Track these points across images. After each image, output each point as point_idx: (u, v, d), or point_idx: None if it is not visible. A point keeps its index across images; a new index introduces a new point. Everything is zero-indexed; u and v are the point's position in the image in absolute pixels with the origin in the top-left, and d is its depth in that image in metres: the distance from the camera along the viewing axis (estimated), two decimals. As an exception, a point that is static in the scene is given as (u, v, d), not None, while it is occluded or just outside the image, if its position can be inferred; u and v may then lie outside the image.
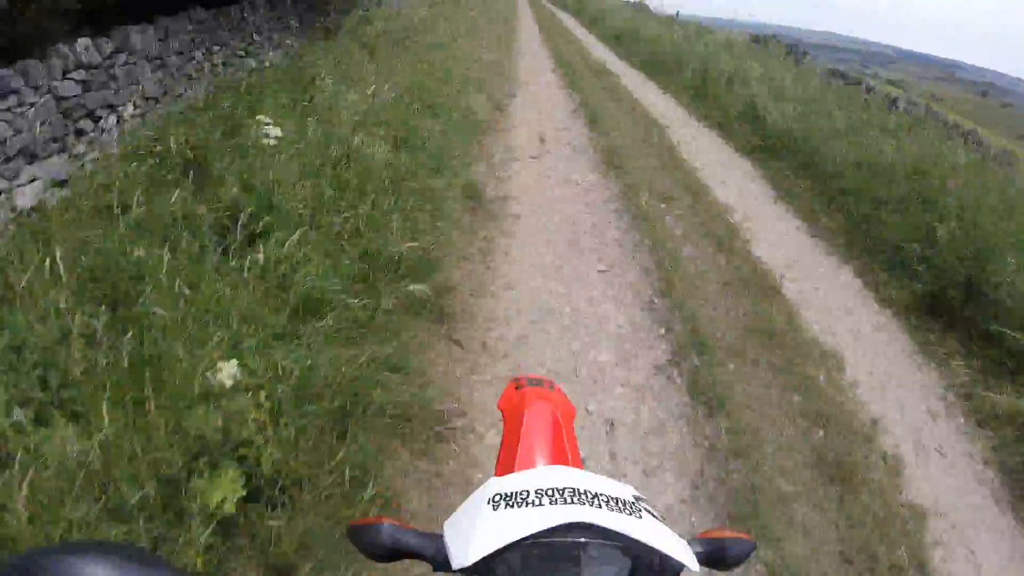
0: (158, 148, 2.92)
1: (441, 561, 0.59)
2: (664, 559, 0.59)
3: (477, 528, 0.58)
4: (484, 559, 0.56)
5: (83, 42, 2.88)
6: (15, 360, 1.62)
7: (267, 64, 4.79)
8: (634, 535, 0.58)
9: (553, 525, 0.57)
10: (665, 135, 6.25)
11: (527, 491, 0.60)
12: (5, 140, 2.41)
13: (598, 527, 0.58)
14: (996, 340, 2.93)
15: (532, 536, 0.57)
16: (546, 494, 0.60)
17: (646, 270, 3.46)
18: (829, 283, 3.61)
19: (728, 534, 0.68)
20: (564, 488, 0.60)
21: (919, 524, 2.06)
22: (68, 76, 2.79)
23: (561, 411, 0.93)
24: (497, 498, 0.60)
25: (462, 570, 0.57)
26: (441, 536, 0.60)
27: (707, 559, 0.66)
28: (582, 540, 0.58)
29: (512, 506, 0.59)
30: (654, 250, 3.66)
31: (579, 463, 0.86)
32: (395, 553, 0.63)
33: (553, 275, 3.32)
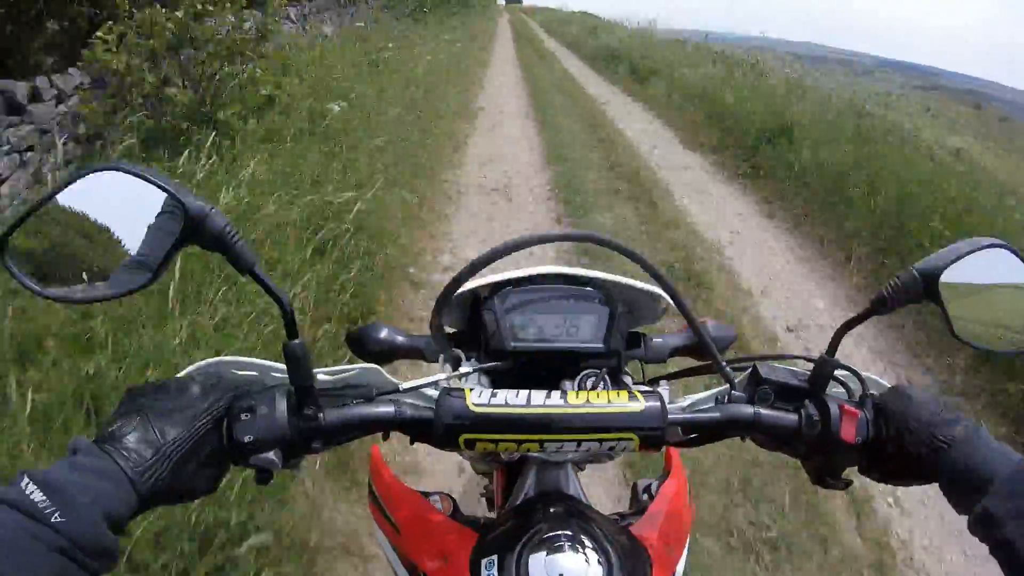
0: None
1: (431, 355, 0.65)
2: (641, 307, 0.68)
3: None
4: (470, 322, 0.66)
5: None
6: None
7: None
8: (611, 279, 0.64)
9: (532, 273, 0.63)
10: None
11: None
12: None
13: (576, 277, 0.64)
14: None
15: (512, 282, 0.63)
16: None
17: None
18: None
19: (710, 321, 0.71)
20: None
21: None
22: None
23: None
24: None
25: (450, 336, 0.66)
26: (429, 335, 0.62)
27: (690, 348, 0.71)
28: (562, 285, 0.64)
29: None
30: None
31: None
32: (392, 353, 0.67)
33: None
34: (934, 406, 0.49)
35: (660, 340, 0.72)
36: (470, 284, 0.62)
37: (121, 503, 0.40)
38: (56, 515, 0.36)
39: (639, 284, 0.65)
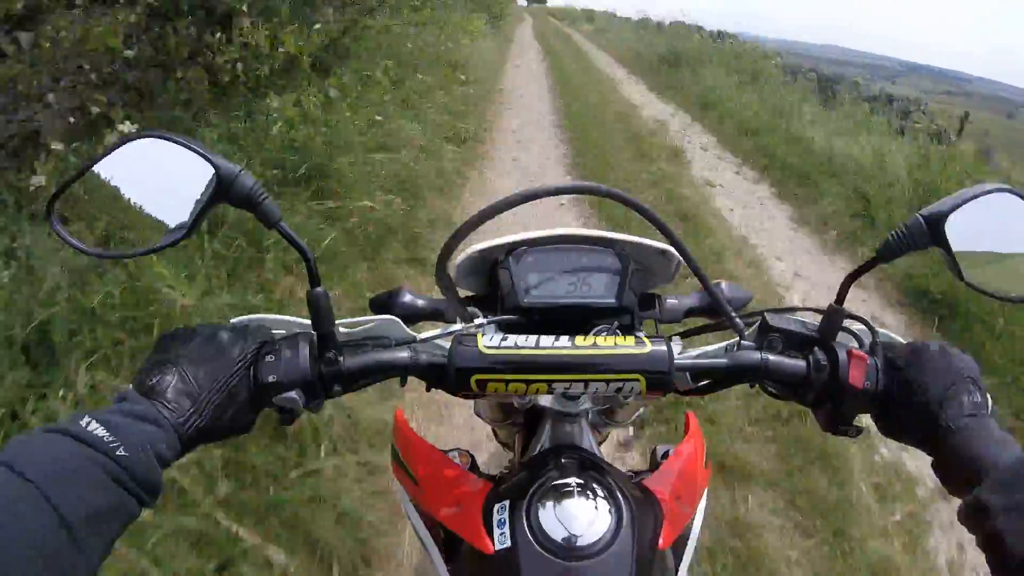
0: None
1: (451, 317, 0.66)
2: (655, 267, 0.70)
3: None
4: (489, 286, 0.69)
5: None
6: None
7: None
8: (623, 238, 0.66)
9: (547, 234, 0.65)
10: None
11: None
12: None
13: (590, 237, 0.66)
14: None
15: (527, 243, 0.65)
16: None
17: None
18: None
19: (725, 282, 0.73)
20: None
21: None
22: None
23: None
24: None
25: (470, 299, 0.69)
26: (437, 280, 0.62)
27: (704, 309, 0.73)
28: (576, 245, 0.66)
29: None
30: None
31: None
32: (414, 315, 0.71)
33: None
34: (950, 376, 0.48)
35: (675, 301, 0.74)
36: (486, 244, 0.65)
37: (167, 446, 0.43)
38: (120, 449, 0.40)
39: (651, 242, 0.66)
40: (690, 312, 0.74)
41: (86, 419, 0.40)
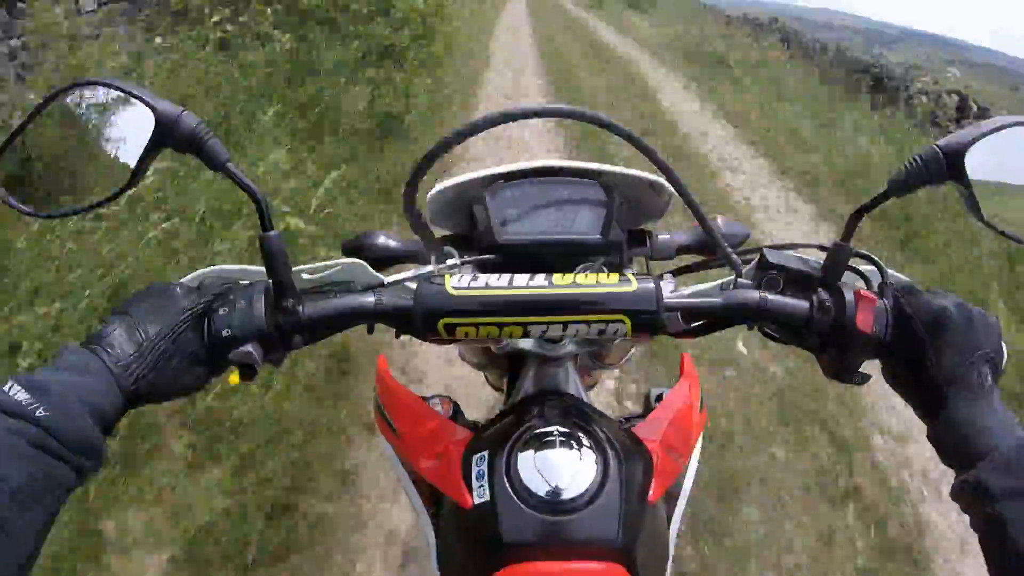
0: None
1: (426, 259, 0.59)
2: (645, 201, 0.66)
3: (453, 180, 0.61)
4: (467, 226, 0.62)
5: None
6: None
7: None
8: (609, 169, 0.62)
9: (525, 167, 0.61)
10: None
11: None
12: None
13: (572, 168, 0.62)
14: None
15: (505, 176, 0.61)
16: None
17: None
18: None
19: (721, 218, 0.70)
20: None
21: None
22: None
23: None
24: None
25: (445, 239, 0.65)
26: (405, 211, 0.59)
27: (699, 246, 0.70)
28: (559, 179, 0.61)
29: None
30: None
31: None
32: (388, 259, 0.67)
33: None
34: (967, 353, 0.45)
35: (667, 237, 0.70)
36: (461, 178, 0.61)
37: (106, 400, 0.40)
38: (39, 410, 0.36)
39: (640, 173, 0.62)
40: (683, 249, 0.70)
41: (9, 383, 0.37)
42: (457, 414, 0.65)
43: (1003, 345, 0.47)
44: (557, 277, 0.49)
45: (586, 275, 0.49)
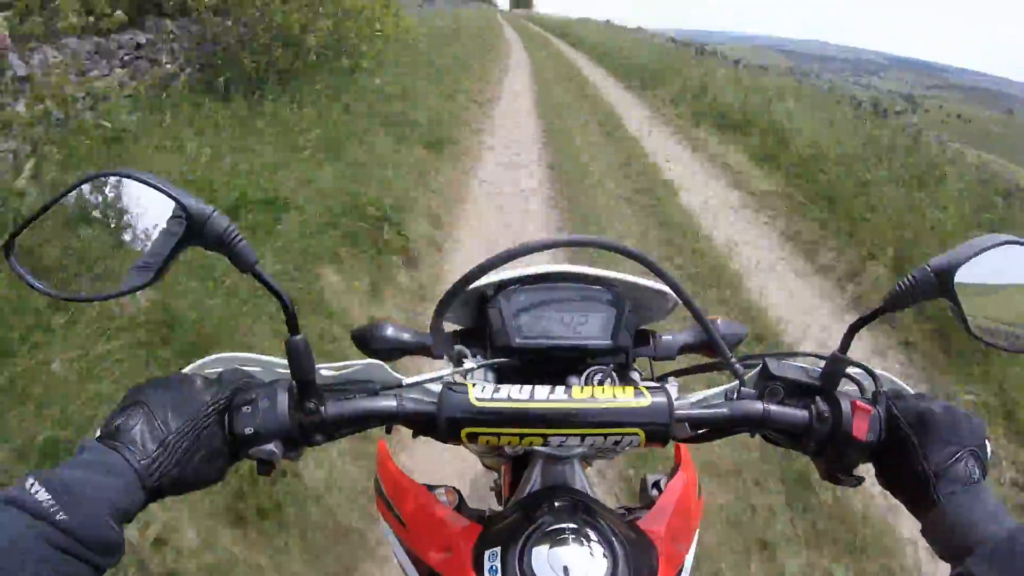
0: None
1: (437, 352, 0.63)
2: (649, 304, 0.68)
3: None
4: (476, 320, 0.67)
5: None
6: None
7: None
8: (619, 277, 0.64)
9: (539, 272, 0.63)
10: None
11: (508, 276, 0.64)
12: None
13: (583, 275, 0.64)
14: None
15: (518, 280, 0.63)
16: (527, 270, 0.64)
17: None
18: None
19: (720, 319, 0.72)
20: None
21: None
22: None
23: None
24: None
25: (456, 334, 0.69)
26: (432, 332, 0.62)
27: (699, 345, 0.72)
28: (569, 284, 0.64)
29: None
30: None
31: None
32: (398, 350, 0.68)
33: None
34: (952, 445, 0.47)
35: (669, 337, 0.72)
36: (476, 283, 0.62)
37: (127, 497, 0.40)
38: (59, 513, 0.36)
39: (646, 282, 0.65)
40: (685, 348, 0.72)
41: (30, 481, 0.37)
42: (462, 504, 0.65)
43: (987, 442, 0.49)
44: (576, 391, 0.50)
45: (603, 389, 0.51)
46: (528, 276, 0.64)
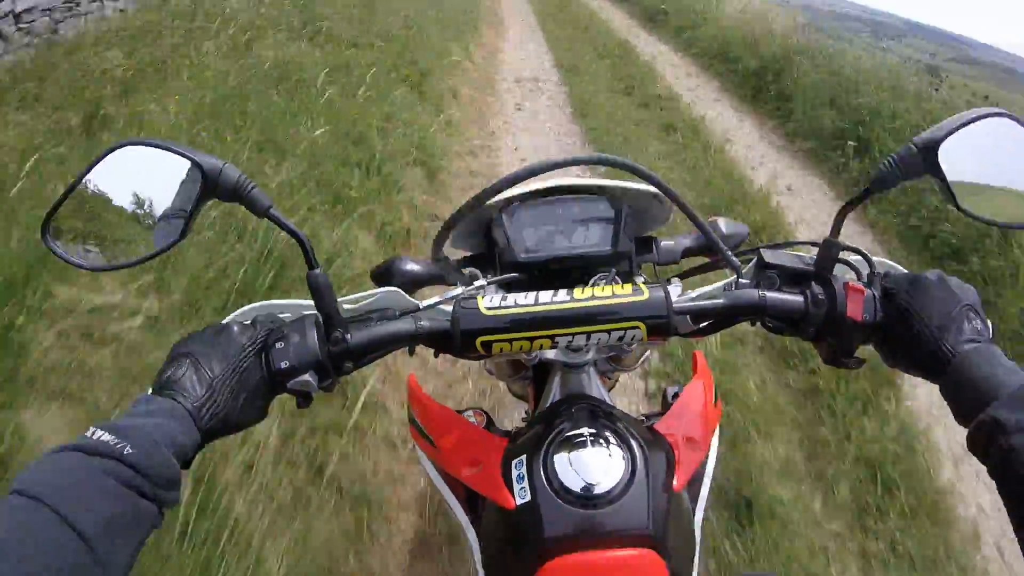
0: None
1: (452, 279, 0.66)
2: (649, 210, 0.70)
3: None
4: (485, 237, 0.69)
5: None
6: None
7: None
8: (614, 184, 0.67)
9: (538, 188, 0.66)
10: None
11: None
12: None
13: (581, 187, 0.68)
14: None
15: (518, 197, 0.66)
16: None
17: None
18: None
19: (721, 219, 0.74)
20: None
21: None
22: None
23: None
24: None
25: (467, 259, 0.73)
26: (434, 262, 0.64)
27: (702, 248, 0.74)
28: (569, 197, 0.67)
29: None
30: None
31: None
32: (416, 282, 0.70)
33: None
34: (949, 304, 0.48)
35: (671, 242, 0.74)
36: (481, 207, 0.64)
37: (186, 437, 0.43)
38: (126, 448, 0.38)
39: (642, 186, 0.66)
40: (687, 252, 0.74)
41: (91, 429, 0.40)
42: (490, 424, 0.70)
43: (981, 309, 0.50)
44: (577, 291, 0.53)
45: (602, 288, 0.54)
46: (528, 193, 0.66)
